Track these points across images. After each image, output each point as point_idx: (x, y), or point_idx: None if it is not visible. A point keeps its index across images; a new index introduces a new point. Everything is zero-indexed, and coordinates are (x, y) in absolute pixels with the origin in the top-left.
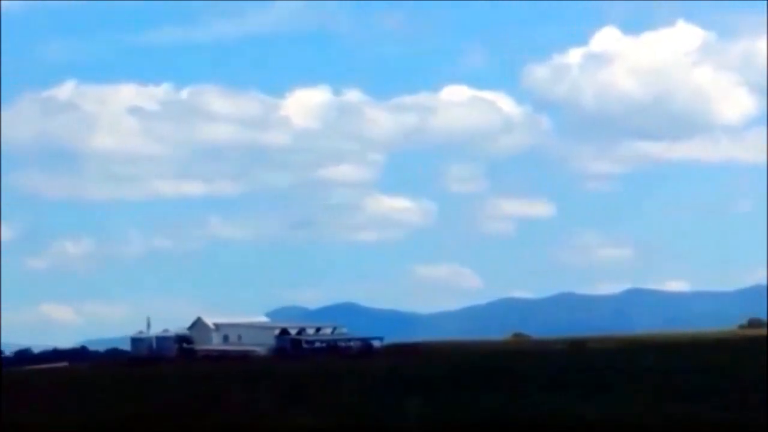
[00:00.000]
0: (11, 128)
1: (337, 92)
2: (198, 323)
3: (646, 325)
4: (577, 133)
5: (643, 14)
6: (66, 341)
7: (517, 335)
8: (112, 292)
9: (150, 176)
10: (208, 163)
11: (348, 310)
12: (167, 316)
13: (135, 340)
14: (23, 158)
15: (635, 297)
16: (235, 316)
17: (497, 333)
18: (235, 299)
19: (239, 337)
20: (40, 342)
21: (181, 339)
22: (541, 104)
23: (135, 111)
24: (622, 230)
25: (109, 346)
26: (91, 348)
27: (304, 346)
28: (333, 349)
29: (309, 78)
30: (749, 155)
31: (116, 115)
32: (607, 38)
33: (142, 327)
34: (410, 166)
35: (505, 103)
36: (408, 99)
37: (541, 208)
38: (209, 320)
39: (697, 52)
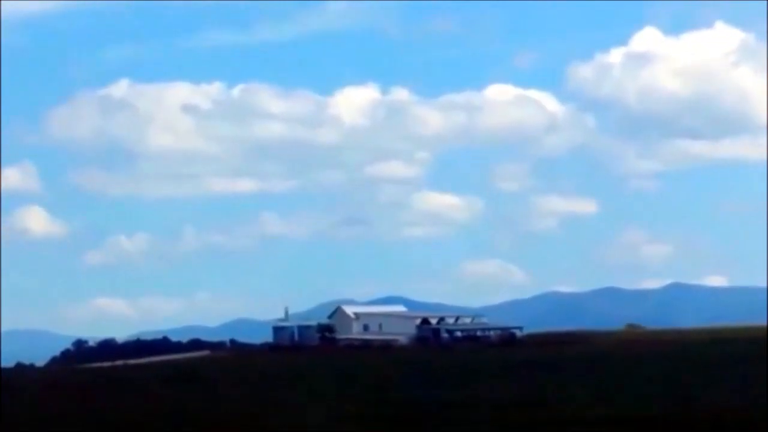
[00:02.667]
0: (69, 126)
1: (384, 91)
2: (338, 312)
3: (688, 319)
4: (620, 132)
5: (682, 15)
6: (120, 333)
7: (630, 326)
8: (166, 286)
9: (204, 174)
10: (260, 160)
11: (397, 303)
12: (220, 309)
13: (277, 329)
14: (81, 156)
15: (677, 292)
16: (374, 306)
17: (543, 326)
18: (286, 294)
19: (380, 326)
20: (93, 334)
21: (323, 328)
22: (584, 103)
23: (189, 109)
24: (665, 227)
25: (158, 336)
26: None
27: (443, 335)
28: (473, 338)
29: (357, 77)
30: None
31: (171, 114)
32: (647, 38)
33: (209, 318)
34: (457, 163)
35: (549, 102)
36: (454, 98)
37: (585, 206)
38: (349, 309)
39: (736, 53)
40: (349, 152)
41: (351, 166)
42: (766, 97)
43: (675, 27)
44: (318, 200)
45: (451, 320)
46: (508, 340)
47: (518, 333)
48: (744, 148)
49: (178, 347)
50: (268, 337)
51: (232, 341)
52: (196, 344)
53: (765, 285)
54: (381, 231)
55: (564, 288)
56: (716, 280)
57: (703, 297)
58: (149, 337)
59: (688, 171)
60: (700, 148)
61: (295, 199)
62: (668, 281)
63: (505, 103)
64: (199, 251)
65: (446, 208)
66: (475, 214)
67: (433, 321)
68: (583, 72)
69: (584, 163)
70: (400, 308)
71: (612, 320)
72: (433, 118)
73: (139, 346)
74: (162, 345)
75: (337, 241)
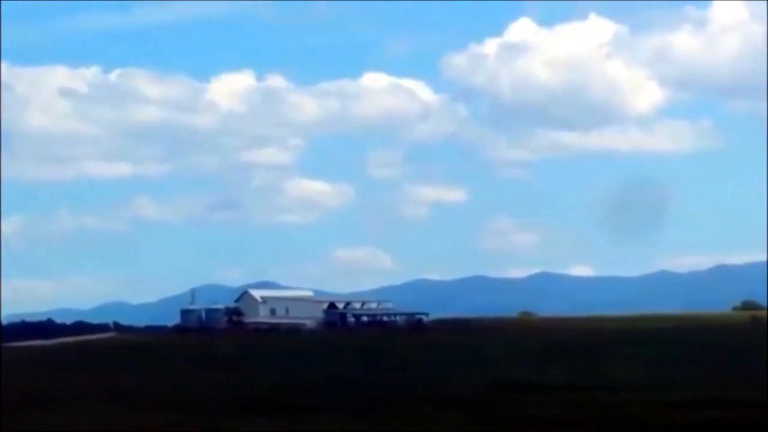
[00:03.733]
0: None
1: (260, 77)
2: (245, 296)
3: (554, 309)
4: (491, 122)
5: (557, 7)
6: None
7: (524, 313)
8: (39, 268)
9: (80, 157)
10: (136, 144)
11: (267, 288)
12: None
13: (185, 312)
14: None
15: (543, 281)
16: (281, 291)
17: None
18: (159, 276)
19: (287, 310)
20: None
21: (230, 311)
22: (458, 93)
23: (66, 93)
24: (533, 217)
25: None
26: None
27: (350, 319)
28: (380, 323)
29: (234, 63)
30: (658, 145)
31: (48, 97)
32: (522, 29)
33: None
34: (330, 150)
35: (423, 91)
36: (329, 85)
37: (455, 194)
38: (256, 293)
39: (609, 45)
40: (225, 137)
41: (226, 151)
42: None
43: (549, 18)
44: (192, 185)
45: (357, 305)
46: (415, 325)
47: (425, 318)
48: (613, 140)
49: (64, 329)
50: (142, 320)
51: (116, 323)
52: (80, 326)
53: (630, 275)
54: (254, 216)
55: (433, 276)
56: (582, 270)
57: (569, 286)
58: (31, 319)
59: (558, 161)
60: (570, 138)
61: (170, 184)
62: (535, 270)
63: (379, 91)
64: (74, 234)
65: (318, 195)
66: (347, 201)
67: (340, 305)
68: (457, 61)
69: (456, 151)
70: (307, 293)
71: (479, 308)
72: (308, 105)
73: (24, 328)
74: (48, 327)
75: (210, 226)
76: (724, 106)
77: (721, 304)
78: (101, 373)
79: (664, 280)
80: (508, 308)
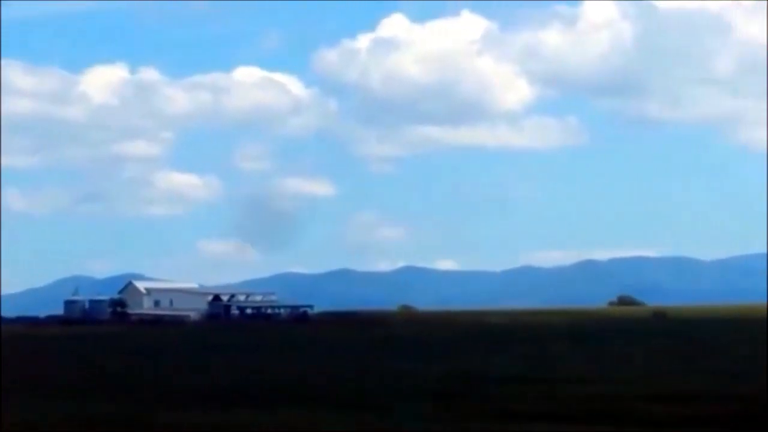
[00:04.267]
0: None
1: (133, 70)
2: (129, 287)
3: (419, 302)
4: (362, 117)
5: (429, 4)
6: None
7: (404, 307)
8: None
9: None
10: (6, 136)
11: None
12: None
13: (68, 303)
14: None
15: (409, 274)
16: (166, 282)
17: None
18: (25, 268)
19: (171, 302)
20: None
21: (115, 303)
22: (329, 87)
23: None
24: (400, 211)
25: None
26: None
27: (234, 312)
28: (264, 316)
29: (107, 55)
30: (526, 141)
31: None
32: (394, 25)
33: None
34: (201, 143)
35: (294, 86)
36: (202, 78)
37: (324, 188)
38: (140, 285)
39: (480, 42)
40: (95, 130)
41: (96, 143)
42: None
43: (422, 15)
44: (62, 177)
45: (242, 297)
46: (300, 317)
47: (309, 311)
48: (481, 136)
49: None
50: (8, 311)
51: None
52: None
53: (494, 269)
54: (122, 208)
55: (299, 269)
56: (447, 264)
57: (434, 280)
58: None
59: (427, 156)
60: (439, 133)
61: (39, 176)
62: (401, 264)
63: (250, 85)
64: None
65: (187, 187)
66: (216, 194)
67: (225, 298)
68: (329, 56)
69: (325, 146)
70: (191, 284)
71: (345, 301)
72: (179, 98)
73: None
74: None
75: (78, 218)
76: (592, 104)
77: (586, 298)
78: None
79: (529, 274)
80: (373, 301)
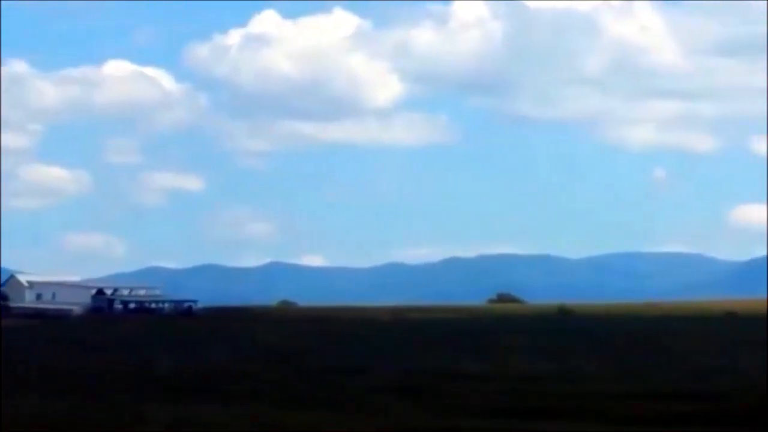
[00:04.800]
0: None
1: (3, 62)
2: (11, 280)
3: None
4: (233, 112)
5: (301, 1)
6: None
7: (284, 302)
8: None
9: None
10: None
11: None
12: None
13: None
14: None
15: (276, 270)
16: (48, 275)
17: None
18: None
19: (53, 296)
20: None
21: None
22: (200, 82)
23: None
24: (269, 206)
25: None
26: None
27: (117, 306)
28: (148, 310)
29: None
30: (396, 138)
31: None
32: (266, 21)
33: None
34: (70, 136)
35: (165, 80)
36: (72, 72)
37: (193, 183)
38: (23, 278)
39: (352, 39)
40: None
41: None
42: None
43: (294, 11)
44: None
45: (125, 291)
46: (185, 312)
47: (194, 306)
48: (352, 132)
49: None
50: None
51: None
52: None
53: (361, 266)
54: None
55: (166, 263)
56: (313, 260)
57: (301, 276)
58: None
59: (297, 152)
60: (309, 129)
61: None
62: (268, 259)
63: (121, 79)
64: None
65: (55, 180)
66: (84, 187)
67: (108, 291)
68: (200, 51)
69: (195, 140)
70: (74, 278)
71: (210, 297)
72: (49, 91)
73: None
74: None
75: None
76: (462, 102)
77: (454, 295)
78: None
79: (396, 271)
80: (239, 297)
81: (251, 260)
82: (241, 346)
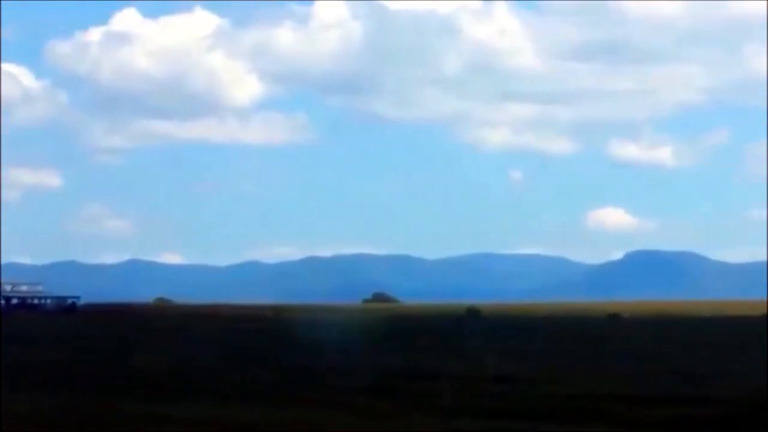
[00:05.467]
0: None
1: None
2: None
3: (144, 295)
4: (93, 109)
5: None
6: None
7: (160, 299)
8: None
9: None
10: None
11: None
12: None
13: None
14: None
15: (134, 267)
16: None
17: None
18: None
19: None
20: None
21: None
22: (61, 79)
23: None
24: (129, 204)
25: None
26: None
27: (1, 302)
28: (30, 306)
29: None
30: (255, 137)
31: None
32: (127, 19)
33: None
34: None
35: (25, 77)
36: None
37: (51, 179)
38: None
39: (211, 38)
40: None
41: None
42: None
43: (155, 10)
44: None
45: (8, 287)
46: (69, 308)
47: (77, 302)
48: (210, 130)
49: None
50: None
51: None
52: None
53: (219, 264)
54: None
55: (24, 259)
56: (172, 258)
57: (159, 273)
58: None
59: (155, 149)
60: (168, 127)
61: None
62: (127, 257)
63: None
64: None
65: None
66: None
67: None
68: (61, 49)
69: (54, 137)
70: None
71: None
72: None
73: None
74: None
75: None
76: (321, 101)
77: (311, 294)
78: None
79: (254, 269)
80: (99, 294)
81: (110, 257)
82: (186, 345)
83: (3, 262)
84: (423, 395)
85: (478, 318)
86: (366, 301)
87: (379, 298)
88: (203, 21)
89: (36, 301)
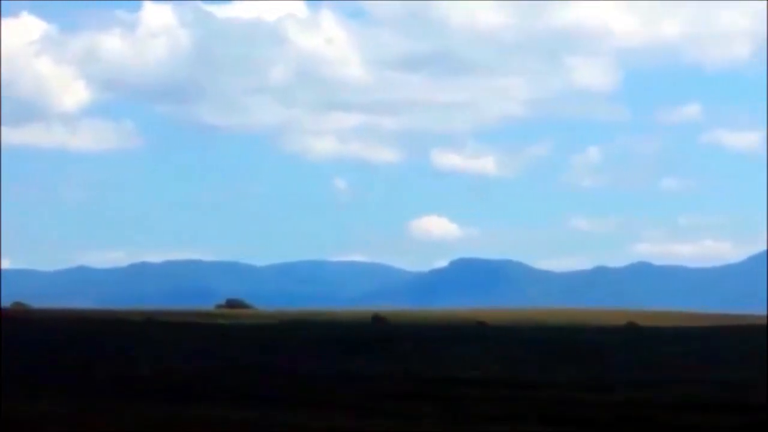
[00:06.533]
0: None
1: None
2: None
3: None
4: None
5: None
6: None
7: (17, 303)
8: None
9: None
10: None
11: None
12: None
13: None
14: None
15: None
16: None
17: None
18: None
19: None
20: None
21: None
22: None
23: None
24: None
25: None
26: None
27: None
28: None
29: None
30: (82, 144)
31: None
32: None
33: None
34: None
35: None
36: None
37: None
38: None
39: (39, 43)
40: None
41: None
42: None
43: None
44: None
45: None
46: None
47: None
48: (38, 136)
49: None
50: None
51: None
52: None
53: (48, 269)
54: None
55: None
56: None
57: None
58: None
59: None
60: None
61: None
62: None
63: None
64: None
65: None
66: None
67: None
68: None
69: None
70: None
71: None
72: None
73: None
74: None
75: None
76: (149, 108)
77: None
78: None
79: (83, 275)
80: None
81: None
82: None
83: None
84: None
85: (384, 325)
86: (219, 306)
87: (234, 304)
88: (30, 26)
89: None
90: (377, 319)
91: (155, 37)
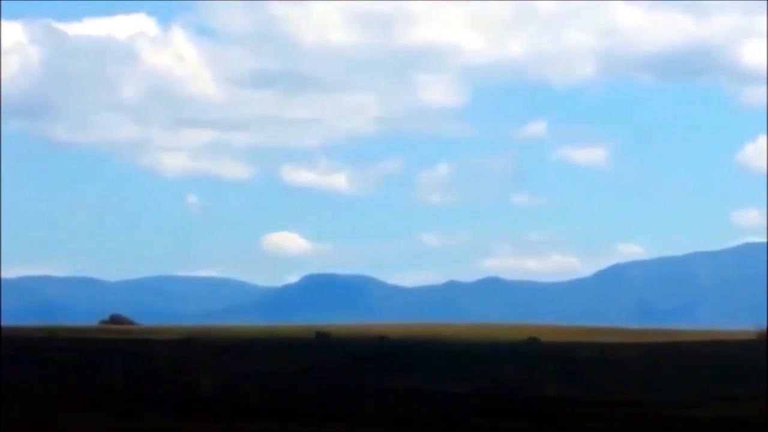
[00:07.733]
0: None
1: None
2: None
3: None
4: None
5: None
6: None
7: None
8: None
9: None
10: None
11: None
12: None
13: None
14: None
15: None
16: None
17: None
18: None
19: None
20: None
21: None
22: None
23: None
24: None
25: None
26: None
27: None
28: None
29: None
30: None
31: None
32: None
33: None
34: None
35: None
36: None
37: None
38: None
39: None
40: None
41: None
42: None
43: None
44: None
45: None
46: None
47: None
48: None
49: None
50: None
51: None
52: None
53: None
54: None
55: None
56: None
57: None
58: None
59: None
60: None
61: None
62: None
63: None
64: None
65: None
66: None
67: None
68: None
69: None
70: None
71: None
72: None
73: None
74: None
75: None
76: (2, 125)
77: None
78: None
79: None
80: None
81: None
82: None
83: None
84: None
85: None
86: (103, 322)
87: (117, 320)
88: None
89: None
90: (321, 336)
91: (7, 54)
